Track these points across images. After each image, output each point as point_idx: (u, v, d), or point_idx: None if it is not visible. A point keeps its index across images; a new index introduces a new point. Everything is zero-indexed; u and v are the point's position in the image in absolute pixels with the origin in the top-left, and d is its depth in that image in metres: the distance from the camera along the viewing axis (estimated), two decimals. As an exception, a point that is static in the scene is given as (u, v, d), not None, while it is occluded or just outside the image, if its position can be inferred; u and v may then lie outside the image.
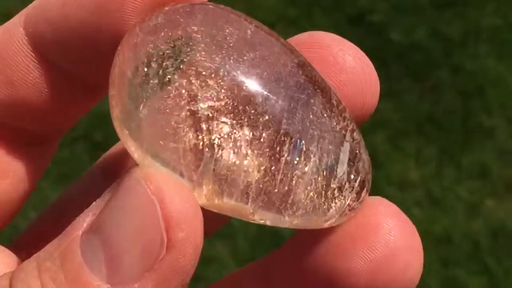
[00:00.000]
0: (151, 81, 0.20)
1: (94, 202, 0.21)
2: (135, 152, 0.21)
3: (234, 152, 0.20)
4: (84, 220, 0.20)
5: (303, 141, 0.21)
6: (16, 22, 0.23)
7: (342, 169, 0.21)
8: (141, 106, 0.20)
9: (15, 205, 0.26)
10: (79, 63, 0.23)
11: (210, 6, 0.22)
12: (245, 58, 0.21)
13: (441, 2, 1.41)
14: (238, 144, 0.20)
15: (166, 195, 0.19)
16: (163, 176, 0.20)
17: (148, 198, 0.19)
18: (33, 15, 0.23)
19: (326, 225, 0.22)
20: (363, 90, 0.23)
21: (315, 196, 0.21)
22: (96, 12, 0.22)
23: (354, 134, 0.22)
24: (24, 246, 0.25)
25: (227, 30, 0.21)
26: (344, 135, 0.22)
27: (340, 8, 1.42)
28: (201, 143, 0.20)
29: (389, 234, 0.22)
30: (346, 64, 0.23)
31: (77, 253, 0.20)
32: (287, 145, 0.21)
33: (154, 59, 0.20)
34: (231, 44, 0.21)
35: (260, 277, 0.25)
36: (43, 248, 0.21)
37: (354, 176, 0.22)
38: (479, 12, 1.38)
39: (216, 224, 0.28)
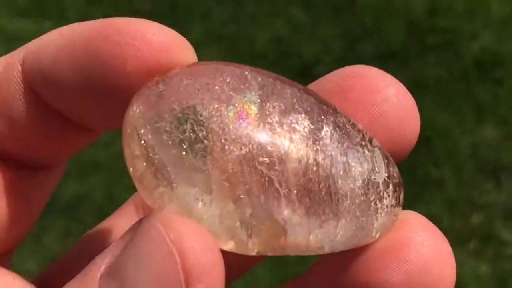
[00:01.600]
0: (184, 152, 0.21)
1: (114, 242, 0.20)
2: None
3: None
4: (103, 262, 0.20)
5: (333, 159, 0.21)
6: (15, 59, 0.24)
7: (381, 176, 0.22)
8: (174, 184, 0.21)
9: (21, 226, 0.25)
10: (71, 107, 0.24)
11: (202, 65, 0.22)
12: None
13: (385, 53, 1.42)
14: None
15: (186, 246, 0.19)
16: (184, 224, 0.20)
17: (167, 247, 0.19)
18: (30, 56, 0.23)
19: (376, 236, 0.22)
20: (404, 121, 0.23)
21: (362, 210, 0.21)
22: (88, 62, 0.22)
23: (374, 141, 0.22)
24: (51, 281, 0.25)
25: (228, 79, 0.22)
26: (371, 143, 0.22)
27: (286, 61, 1.41)
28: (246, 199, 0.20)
29: (422, 246, 0.22)
30: (389, 94, 0.23)
31: None
32: (321, 168, 0.21)
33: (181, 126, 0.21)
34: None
35: None
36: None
37: (391, 180, 0.22)
38: (422, 63, 1.40)
39: (239, 270, 0.27)
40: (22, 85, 0.23)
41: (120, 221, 0.29)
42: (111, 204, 1.17)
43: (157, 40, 0.22)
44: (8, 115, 0.24)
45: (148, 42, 0.22)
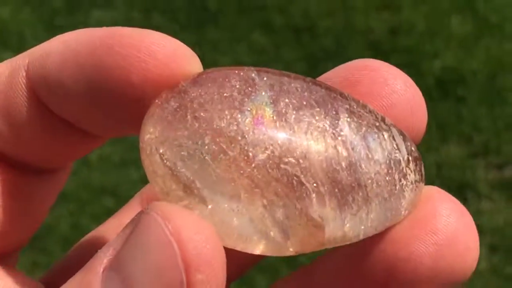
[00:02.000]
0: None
1: (116, 236, 0.20)
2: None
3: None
4: (106, 255, 0.20)
5: (354, 147, 0.21)
6: (20, 64, 0.24)
7: (401, 153, 0.22)
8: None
9: (26, 227, 0.26)
10: (74, 115, 0.24)
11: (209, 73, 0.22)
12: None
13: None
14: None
15: (184, 236, 0.19)
16: (183, 215, 0.20)
17: (166, 238, 0.19)
18: (35, 62, 0.23)
19: (405, 213, 0.22)
20: (412, 113, 0.23)
21: (389, 191, 0.21)
22: (92, 72, 0.22)
23: (386, 120, 0.23)
24: (56, 279, 0.25)
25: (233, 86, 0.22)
26: (384, 122, 0.22)
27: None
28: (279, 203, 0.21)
29: (448, 217, 0.22)
30: (397, 86, 0.23)
31: None
32: (344, 159, 0.21)
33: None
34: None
35: (301, 282, 0.25)
36: (66, 283, 0.21)
37: (412, 155, 0.22)
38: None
39: (239, 270, 0.27)
40: (26, 90, 0.24)
41: (127, 219, 0.29)
42: (77, 235, 1.14)
43: (162, 52, 0.22)
44: (12, 119, 0.24)
45: (153, 54, 0.22)
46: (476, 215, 1.20)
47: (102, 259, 0.20)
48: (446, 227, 0.22)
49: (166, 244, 0.19)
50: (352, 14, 1.57)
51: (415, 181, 0.22)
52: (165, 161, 0.21)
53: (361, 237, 0.22)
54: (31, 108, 0.24)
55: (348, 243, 0.22)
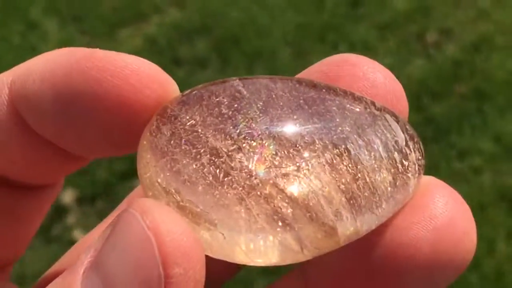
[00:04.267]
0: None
1: (98, 236, 0.20)
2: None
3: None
4: (87, 257, 0.20)
5: (352, 141, 0.21)
6: (4, 82, 0.24)
7: (398, 135, 0.22)
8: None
9: (15, 242, 0.25)
10: (54, 135, 0.23)
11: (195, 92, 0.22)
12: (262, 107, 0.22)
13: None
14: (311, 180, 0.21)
15: (162, 230, 0.19)
16: (160, 209, 0.19)
17: (144, 233, 0.19)
18: (17, 80, 0.23)
19: (412, 193, 0.22)
20: (393, 105, 0.23)
21: (394, 174, 0.22)
22: (68, 94, 0.22)
23: (376, 104, 0.23)
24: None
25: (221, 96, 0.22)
26: (375, 107, 0.22)
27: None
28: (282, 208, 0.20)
29: (446, 204, 0.22)
30: (376, 80, 0.23)
31: None
32: (344, 156, 0.21)
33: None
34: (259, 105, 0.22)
35: (299, 277, 0.25)
36: (48, 286, 0.20)
37: (408, 134, 0.22)
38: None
39: (231, 271, 0.27)
40: (9, 108, 0.23)
41: None
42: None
43: (135, 77, 0.22)
44: None
45: (126, 78, 0.22)
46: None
47: (83, 261, 0.20)
48: (444, 213, 0.22)
49: (143, 239, 0.19)
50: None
51: (417, 159, 0.22)
52: (167, 190, 0.21)
53: (374, 227, 0.22)
54: (13, 126, 0.24)
55: (362, 235, 0.22)
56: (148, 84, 0.22)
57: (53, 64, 0.23)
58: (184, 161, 0.21)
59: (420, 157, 0.23)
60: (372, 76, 0.23)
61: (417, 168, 0.22)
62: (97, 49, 0.22)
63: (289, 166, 0.21)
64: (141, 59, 0.22)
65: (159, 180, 0.21)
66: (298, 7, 1.52)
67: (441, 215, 0.22)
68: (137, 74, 0.22)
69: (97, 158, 0.26)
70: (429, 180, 0.23)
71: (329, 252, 0.22)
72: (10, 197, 0.25)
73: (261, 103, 0.22)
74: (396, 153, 0.22)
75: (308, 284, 0.24)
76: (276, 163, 0.21)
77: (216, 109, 0.21)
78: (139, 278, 0.19)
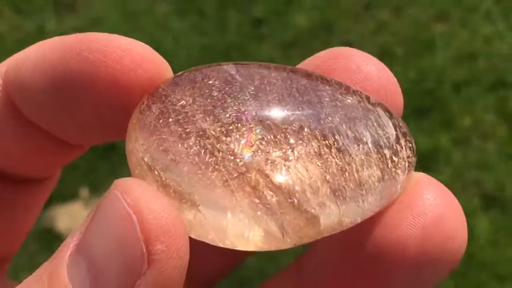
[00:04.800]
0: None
1: (83, 221, 0.20)
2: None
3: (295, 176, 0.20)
4: (72, 240, 0.20)
5: (341, 132, 0.21)
6: None
7: (390, 132, 0.22)
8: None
9: (16, 236, 0.26)
10: (49, 123, 0.23)
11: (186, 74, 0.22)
12: (252, 93, 0.21)
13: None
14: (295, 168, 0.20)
15: (143, 207, 0.19)
16: (141, 188, 0.19)
17: (125, 211, 0.19)
18: (11, 70, 0.23)
19: (400, 190, 0.22)
20: (388, 97, 0.23)
21: (382, 170, 0.21)
22: (61, 79, 0.22)
23: (371, 99, 0.22)
24: None
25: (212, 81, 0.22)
26: (369, 101, 0.22)
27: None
28: (264, 190, 0.20)
29: (435, 201, 0.22)
30: (370, 72, 0.23)
31: (64, 275, 0.19)
32: (332, 146, 0.21)
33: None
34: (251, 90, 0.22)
35: (294, 274, 0.25)
36: (35, 271, 0.20)
37: (400, 131, 0.22)
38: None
39: (226, 270, 0.27)
40: (3, 98, 0.23)
41: None
42: None
43: (128, 57, 0.22)
44: None
45: (119, 59, 0.22)
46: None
47: (69, 245, 0.20)
48: (433, 210, 0.22)
49: (125, 217, 0.19)
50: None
51: (407, 156, 0.22)
52: (152, 168, 0.21)
53: (359, 220, 0.21)
54: (8, 116, 0.23)
55: (346, 228, 0.21)
56: (141, 64, 0.22)
57: (45, 50, 0.23)
58: (171, 141, 0.21)
59: (411, 154, 0.23)
60: (365, 68, 0.24)
61: (407, 165, 0.22)
62: (89, 32, 0.22)
63: (275, 151, 0.21)
64: (134, 40, 0.22)
65: (145, 159, 0.21)
66: (201, 29, 1.54)
67: (430, 213, 0.22)
68: (130, 54, 0.22)
69: (93, 146, 0.26)
70: (420, 177, 0.23)
71: (317, 243, 0.22)
72: (6, 190, 0.25)
73: (252, 88, 0.22)
74: (386, 149, 0.22)
75: (303, 280, 0.24)
76: (263, 147, 0.21)
77: (207, 91, 0.21)
78: (122, 256, 0.19)
